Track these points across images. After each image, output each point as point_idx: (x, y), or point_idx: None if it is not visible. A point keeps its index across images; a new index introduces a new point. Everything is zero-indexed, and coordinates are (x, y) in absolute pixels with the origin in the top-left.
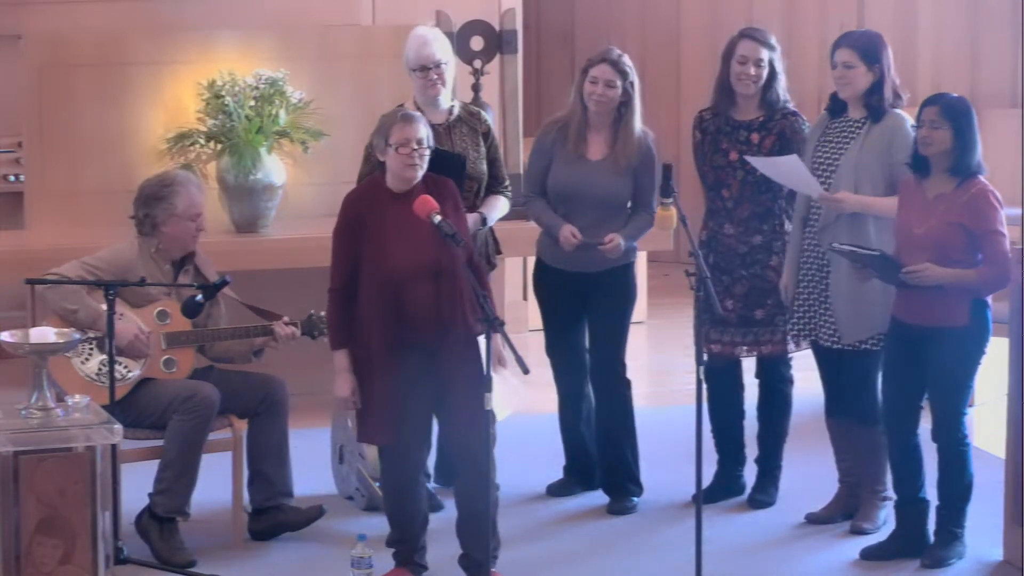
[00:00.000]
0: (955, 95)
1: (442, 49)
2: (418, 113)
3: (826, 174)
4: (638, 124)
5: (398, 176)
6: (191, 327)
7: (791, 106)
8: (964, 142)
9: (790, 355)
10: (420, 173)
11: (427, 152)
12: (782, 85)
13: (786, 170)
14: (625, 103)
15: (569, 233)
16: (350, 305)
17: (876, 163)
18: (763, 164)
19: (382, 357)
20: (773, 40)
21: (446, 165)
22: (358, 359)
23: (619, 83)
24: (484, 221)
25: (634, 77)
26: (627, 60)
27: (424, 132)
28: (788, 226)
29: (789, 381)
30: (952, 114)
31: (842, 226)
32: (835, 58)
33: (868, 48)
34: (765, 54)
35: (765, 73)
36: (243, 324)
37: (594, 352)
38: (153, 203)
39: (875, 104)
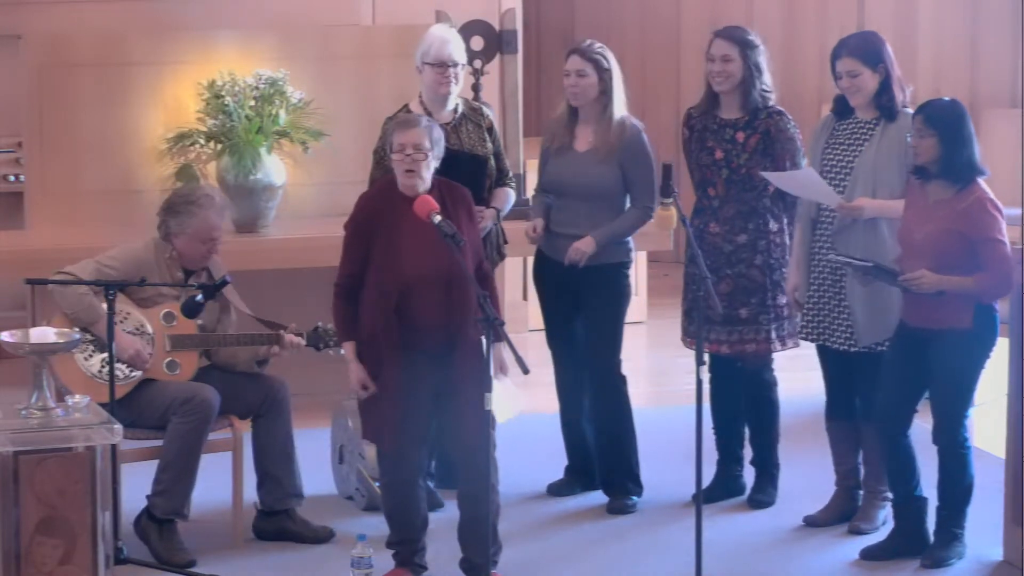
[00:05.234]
0: (946, 99)
1: (459, 51)
2: (422, 117)
3: (839, 177)
4: (618, 111)
5: (400, 183)
6: (196, 330)
7: (772, 101)
8: (951, 147)
9: (774, 354)
10: (419, 182)
11: (425, 158)
12: (766, 82)
13: (802, 182)
14: (604, 91)
15: (531, 227)
16: (355, 299)
17: (893, 164)
18: (778, 178)
19: (387, 359)
20: (750, 37)
21: (466, 166)
22: (364, 358)
23: (591, 71)
24: (499, 215)
25: (609, 64)
26: (598, 48)
27: (422, 137)
28: (772, 225)
29: (772, 384)
30: (935, 121)
31: (857, 230)
32: (837, 68)
33: (868, 51)
34: (734, 51)
35: (734, 69)
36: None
37: (588, 352)
38: (172, 214)
39: (886, 104)
